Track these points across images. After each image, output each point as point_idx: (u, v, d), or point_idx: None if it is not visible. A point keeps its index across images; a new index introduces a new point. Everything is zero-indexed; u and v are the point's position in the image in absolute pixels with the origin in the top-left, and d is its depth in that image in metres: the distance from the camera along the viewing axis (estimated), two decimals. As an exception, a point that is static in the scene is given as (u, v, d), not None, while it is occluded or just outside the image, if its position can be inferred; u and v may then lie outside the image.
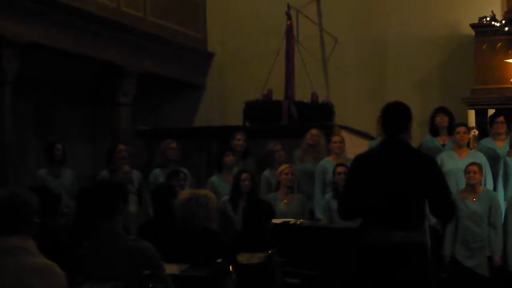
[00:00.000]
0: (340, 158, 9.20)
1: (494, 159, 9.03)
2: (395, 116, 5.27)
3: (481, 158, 8.80)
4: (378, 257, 5.04)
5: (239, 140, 9.61)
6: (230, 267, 5.08)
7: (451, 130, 9.25)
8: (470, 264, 8.07)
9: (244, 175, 8.69)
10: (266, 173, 9.32)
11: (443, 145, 9.24)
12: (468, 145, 9.22)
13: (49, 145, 9.58)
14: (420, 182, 5.08)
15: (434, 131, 9.51)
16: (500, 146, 9.16)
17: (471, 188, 8.15)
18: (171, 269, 4.88)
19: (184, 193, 5.70)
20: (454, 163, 8.44)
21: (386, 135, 5.29)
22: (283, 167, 8.85)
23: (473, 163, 8.23)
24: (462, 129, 8.97)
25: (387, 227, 5.01)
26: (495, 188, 8.80)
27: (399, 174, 5.08)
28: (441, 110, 9.57)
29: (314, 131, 9.53)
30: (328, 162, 9.16)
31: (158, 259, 4.53)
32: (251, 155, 9.76)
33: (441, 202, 5.13)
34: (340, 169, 8.61)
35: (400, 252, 4.99)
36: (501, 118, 9.33)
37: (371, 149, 5.83)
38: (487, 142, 9.40)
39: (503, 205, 8.63)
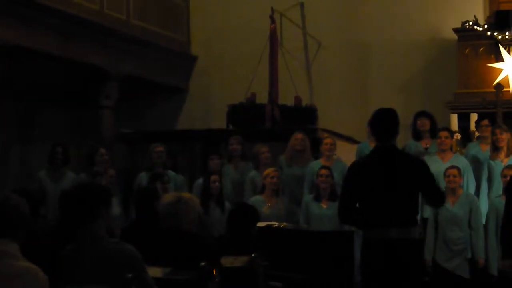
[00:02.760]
0: (330, 160, 9.21)
1: (477, 163, 9.06)
2: (385, 123, 5.68)
3: (464, 162, 8.85)
4: (378, 250, 5.47)
5: (232, 144, 9.59)
6: (214, 271, 5.06)
7: (434, 133, 9.29)
8: (451, 266, 8.11)
9: (213, 177, 8.71)
10: (252, 174, 9.30)
11: (426, 149, 9.27)
12: (452, 149, 9.26)
13: (50, 148, 9.55)
14: (413, 182, 5.55)
15: (417, 135, 9.54)
16: (485, 149, 9.20)
17: (451, 191, 8.18)
18: (154, 272, 4.86)
19: (169, 196, 5.68)
20: (437, 166, 8.45)
21: (378, 141, 5.69)
22: (269, 170, 8.83)
23: (452, 167, 8.27)
24: (443, 133, 9.00)
25: (385, 225, 5.45)
26: (478, 192, 8.83)
27: (391, 177, 5.52)
28: (421, 114, 9.61)
29: (299, 136, 9.50)
30: (318, 164, 9.17)
31: (141, 262, 4.51)
32: (248, 158, 9.72)
33: (433, 194, 5.70)
34: (323, 171, 8.61)
35: (397, 246, 5.43)
36: (486, 122, 9.38)
37: (365, 156, 6.15)
38: (473, 146, 9.46)
39: (486, 208, 8.67)
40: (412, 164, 5.70)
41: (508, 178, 8.12)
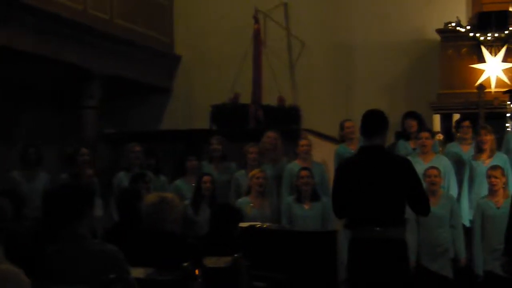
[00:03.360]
0: (306, 161, 9.21)
1: (460, 163, 9.10)
2: (371, 123, 5.75)
3: (446, 163, 8.88)
4: (363, 250, 5.54)
5: (212, 144, 9.57)
6: (197, 271, 5.06)
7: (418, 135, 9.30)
8: (434, 267, 8.14)
9: (205, 178, 8.70)
10: (237, 175, 9.29)
11: (414, 149, 9.30)
12: (436, 150, 9.30)
13: (22, 148, 9.51)
14: (398, 182, 5.60)
15: (406, 135, 9.57)
16: (466, 150, 9.24)
17: (431, 192, 8.21)
18: (137, 272, 4.86)
19: (152, 197, 5.67)
20: (418, 167, 8.46)
21: (364, 141, 5.81)
22: (255, 171, 8.82)
23: (432, 167, 8.30)
24: (424, 134, 9.03)
25: (370, 224, 5.51)
26: (460, 192, 8.87)
27: (377, 176, 5.58)
28: (409, 114, 9.64)
29: (271, 134, 9.48)
30: (295, 165, 9.17)
31: (123, 262, 4.50)
32: (229, 158, 9.70)
33: (418, 200, 5.70)
34: (304, 173, 8.62)
35: (381, 246, 5.49)
36: (467, 123, 9.41)
37: (352, 155, 6.22)
38: (453, 146, 9.47)
39: (467, 208, 8.71)
40: (399, 164, 5.74)
41: (492, 179, 8.17)
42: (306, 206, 8.57)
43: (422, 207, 5.79)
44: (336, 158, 9.59)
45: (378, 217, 5.52)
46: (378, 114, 5.81)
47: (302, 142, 9.44)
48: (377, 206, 5.52)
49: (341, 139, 9.93)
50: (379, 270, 5.49)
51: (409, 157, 8.82)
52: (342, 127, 9.93)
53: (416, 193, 5.68)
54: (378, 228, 5.49)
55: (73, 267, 4.42)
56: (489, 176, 8.25)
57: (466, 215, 8.69)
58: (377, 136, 5.70)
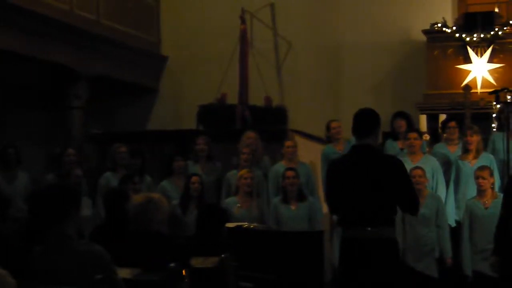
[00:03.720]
0: (292, 162, 9.21)
1: (447, 164, 9.12)
2: (363, 123, 5.73)
3: (434, 163, 8.90)
4: (355, 249, 5.54)
5: (199, 144, 9.56)
6: (184, 271, 5.06)
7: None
8: (420, 267, 8.16)
9: (193, 178, 8.70)
10: (229, 175, 9.28)
11: (402, 149, 9.31)
12: (424, 150, 9.32)
13: (1, 149, 9.46)
14: (389, 182, 5.60)
15: (394, 135, 9.59)
16: (453, 151, 9.26)
17: (417, 192, 8.23)
18: (124, 273, 4.85)
19: (139, 197, 5.66)
20: (407, 167, 8.48)
21: (356, 140, 5.76)
22: (243, 171, 8.81)
23: (417, 167, 8.31)
24: (412, 135, 9.04)
25: (361, 224, 5.52)
26: (446, 192, 8.90)
27: (368, 176, 5.58)
28: (398, 115, 9.64)
29: (251, 134, 9.48)
30: (280, 166, 9.17)
31: (110, 263, 4.50)
32: (215, 158, 9.69)
33: (407, 199, 5.71)
34: (289, 173, 8.62)
35: (372, 246, 5.48)
36: (453, 123, 9.43)
37: (343, 155, 6.23)
38: (440, 147, 9.50)
39: (452, 209, 8.74)
40: (390, 164, 5.74)
41: (480, 179, 8.19)
42: (292, 207, 8.56)
43: (411, 206, 5.79)
44: (323, 159, 9.61)
45: (369, 217, 5.52)
46: (369, 113, 5.78)
47: (287, 143, 9.45)
48: (369, 206, 5.52)
49: (328, 140, 9.94)
50: (370, 269, 5.50)
51: (398, 157, 8.90)
52: (328, 127, 9.94)
53: (406, 193, 5.67)
54: (370, 228, 5.50)
55: (59, 268, 4.42)
56: (477, 177, 8.27)
57: (452, 215, 8.71)
58: (369, 136, 5.69)
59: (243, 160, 9.15)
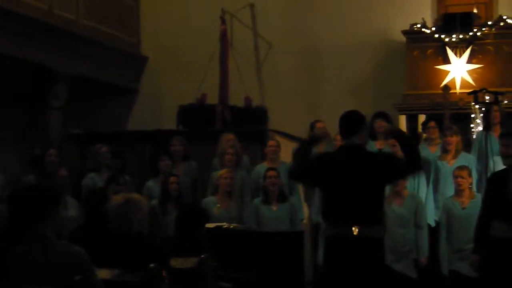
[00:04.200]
0: (275, 162, 9.22)
1: (428, 164, 9.15)
2: (348, 125, 5.80)
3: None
4: (339, 247, 5.55)
5: (174, 145, 9.55)
6: (163, 272, 5.05)
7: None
8: (398, 267, 8.19)
9: (172, 178, 8.69)
10: (214, 174, 9.26)
11: (380, 150, 9.34)
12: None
13: None
14: (378, 179, 5.63)
15: (373, 136, 9.62)
16: (434, 151, 9.30)
17: (397, 193, 8.27)
18: (103, 274, 4.84)
19: (118, 198, 5.64)
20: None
21: (343, 141, 5.82)
22: (222, 171, 8.81)
23: None
24: (393, 135, 9.07)
25: (348, 222, 5.53)
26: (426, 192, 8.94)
27: (356, 174, 5.60)
28: (379, 115, 9.66)
29: (229, 136, 9.49)
30: (262, 167, 9.18)
31: (89, 264, 4.49)
32: (191, 158, 9.68)
33: (402, 165, 5.74)
34: (271, 173, 8.62)
35: (359, 245, 5.51)
36: (433, 123, 9.47)
37: (332, 152, 6.25)
38: (422, 148, 9.54)
39: (432, 209, 8.77)
40: (378, 160, 5.80)
41: (459, 179, 8.24)
42: (274, 207, 8.57)
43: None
44: None
45: (357, 216, 5.54)
46: (354, 114, 5.87)
47: (270, 142, 9.46)
48: (356, 205, 5.54)
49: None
50: (356, 268, 5.51)
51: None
52: (312, 127, 9.94)
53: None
54: (356, 227, 5.51)
55: (38, 268, 4.40)
56: (455, 176, 8.31)
57: (431, 215, 8.75)
58: (355, 135, 5.73)
59: (227, 161, 9.17)
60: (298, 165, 5.96)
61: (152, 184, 9.20)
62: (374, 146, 9.43)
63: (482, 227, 6.83)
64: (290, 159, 9.62)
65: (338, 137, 9.68)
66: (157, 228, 8.31)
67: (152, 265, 4.99)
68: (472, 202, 8.20)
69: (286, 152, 9.69)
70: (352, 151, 5.71)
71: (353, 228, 5.50)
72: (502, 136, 7.25)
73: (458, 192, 8.31)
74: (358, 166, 5.62)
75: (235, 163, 9.23)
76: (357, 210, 5.54)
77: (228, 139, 9.43)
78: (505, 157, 6.88)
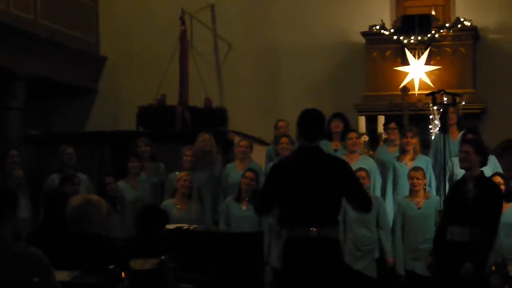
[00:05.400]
0: (245, 162, 9.22)
1: (387, 164, 9.21)
2: (313, 125, 5.72)
3: (371, 163, 8.99)
4: (298, 249, 5.53)
5: (140, 146, 9.52)
6: (123, 273, 5.02)
7: (345, 136, 9.37)
8: (359, 266, 8.24)
9: (108, 179, 8.73)
10: (171, 176, 9.24)
11: (336, 150, 9.38)
12: (359, 151, 9.40)
13: None
14: (335, 183, 5.59)
15: (330, 136, 9.65)
16: (393, 151, 9.36)
17: None
18: (62, 276, 4.80)
19: (78, 199, 5.59)
20: (346, 168, 8.56)
21: (306, 141, 5.71)
22: (181, 174, 8.80)
23: (360, 169, 8.39)
24: (353, 135, 9.13)
25: (305, 224, 5.51)
26: (384, 192, 8.99)
27: (313, 177, 5.57)
28: (336, 115, 9.71)
29: (206, 136, 9.49)
30: (233, 167, 9.19)
31: (48, 266, 4.45)
32: (157, 159, 9.65)
33: (359, 198, 5.75)
34: (249, 174, 8.62)
35: (315, 246, 5.48)
36: (393, 125, 9.53)
37: (288, 156, 6.22)
38: (382, 149, 9.61)
39: (391, 209, 8.83)
40: (335, 165, 5.74)
41: (414, 180, 8.30)
42: (243, 207, 8.58)
43: (365, 204, 5.82)
44: (267, 159, 9.63)
45: (314, 217, 5.52)
46: (319, 115, 5.79)
47: (242, 143, 9.44)
48: (313, 206, 5.53)
49: (276, 140, 9.93)
50: (315, 270, 5.50)
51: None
52: (276, 126, 9.97)
53: (357, 192, 5.72)
54: (313, 228, 5.50)
55: (-4, 271, 4.35)
56: (411, 177, 8.38)
57: (390, 215, 8.81)
58: (319, 138, 5.73)
59: (186, 162, 9.17)
60: (261, 200, 5.88)
61: (122, 184, 9.15)
62: (330, 146, 9.47)
63: (441, 233, 6.90)
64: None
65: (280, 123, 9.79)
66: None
67: (111, 266, 4.96)
68: (426, 202, 8.29)
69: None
70: (311, 154, 5.70)
71: (312, 230, 5.49)
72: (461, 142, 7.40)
73: (413, 192, 8.37)
74: (316, 169, 5.62)
75: (195, 164, 9.21)
76: (315, 211, 5.53)
77: (203, 139, 9.42)
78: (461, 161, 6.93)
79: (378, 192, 8.91)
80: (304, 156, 5.71)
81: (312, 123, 5.72)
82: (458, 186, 6.79)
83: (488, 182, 6.77)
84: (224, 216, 8.66)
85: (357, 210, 6.02)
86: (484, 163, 6.66)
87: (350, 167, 5.85)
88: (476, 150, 6.61)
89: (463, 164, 6.66)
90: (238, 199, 8.62)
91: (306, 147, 5.72)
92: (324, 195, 5.56)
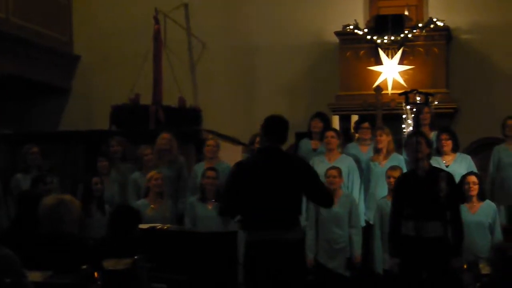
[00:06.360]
0: (213, 161, 9.21)
1: (358, 163, 9.25)
2: (279, 131, 5.79)
3: (350, 162, 9.00)
4: (260, 252, 5.56)
5: (112, 146, 9.50)
6: (95, 274, 5.01)
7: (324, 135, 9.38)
8: (332, 265, 8.28)
9: (95, 180, 8.68)
10: (134, 176, 9.23)
11: (315, 149, 9.40)
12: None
13: None
14: (295, 183, 5.64)
15: (309, 135, 9.68)
16: (365, 151, 9.39)
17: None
18: (34, 276, 4.78)
19: (50, 199, 5.57)
20: (323, 166, 8.58)
21: (264, 142, 5.86)
22: (152, 173, 8.78)
23: (332, 167, 8.42)
24: (330, 133, 9.14)
25: (266, 226, 5.54)
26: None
27: (274, 178, 5.60)
28: (316, 115, 9.73)
29: (166, 135, 9.47)
30: (201, 166, 9.18)
31: (19, 266, 4.42)
32: (128, 159, 9.63)
33: (319, 195, 5.85)
34: (210, 173, 8.62)
35: (277, 248, 5.51)
36: (366, 124, 9.56)
37: (249, 157, 6.26)
38: (352, 147, 9.62)
39: (362, 208, 8.87)
40: (294, 165, 5.79)
41: (391, 179, 8.34)
42: (209, 206, 8.57)
43: (325, 199, 5.93)
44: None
45: (274, 219, 5.55)
46: (286, 122, 5.84)
47: (209, 142, 9.44)
48: (274, 208, 5.55)
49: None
50: (276, 272, 5.52)
51: (315, 157, 9.00)
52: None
53: (317, 190, 5.79)
54: (274, 230, 5.52)
55: (-33, 272, 4.32)
56: (388, 177, 8.41)
57: (361, 215, 8.84)
58: (281, 142, 5.78)
59: (147, 161, 9.20)
60: (224, 202, 5.96)
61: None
62: (310, 145, 9.51)
63: (395, 226, 6.99)
64: (223, 159, 9.63)
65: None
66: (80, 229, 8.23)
67: (84, 266, 4.94)
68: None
69: (221, 152, 9.68)
70: (271, 154, 5.74)
71: (274, 232, 5.52)
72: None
73: (391, 192, 8.40)
74: (276, 170, 5.65)
75: (158, 163, 9.21)
76: (276, 213, 5.57)
77: (163, 138, 9.40)
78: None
79: (356, 192, 8.92)
80: (263, 157, 5.77)
81: (276, 128, 5.79)
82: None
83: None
84: (189, 216, 8.63)
85: (320, 205, 6.28)
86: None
87: (309, 165, 5.98)
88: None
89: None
90: (203, 199, 8.60)
91: (266, 148, 5.79)
92: (284, 195, 5.60)
